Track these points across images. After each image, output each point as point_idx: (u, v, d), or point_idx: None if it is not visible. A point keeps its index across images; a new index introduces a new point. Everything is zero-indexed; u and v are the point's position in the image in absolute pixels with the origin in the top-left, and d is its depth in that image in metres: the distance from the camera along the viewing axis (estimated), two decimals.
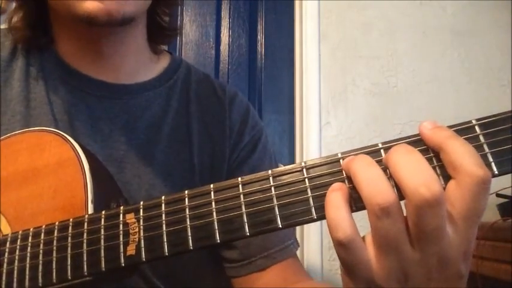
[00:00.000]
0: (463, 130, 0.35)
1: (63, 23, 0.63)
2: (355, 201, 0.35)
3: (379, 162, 0.35)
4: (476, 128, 0.34)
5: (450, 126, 0.35)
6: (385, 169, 0.34)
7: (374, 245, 0.33)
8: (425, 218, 0.31)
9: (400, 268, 0.33)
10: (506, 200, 1.37)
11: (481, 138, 0.34)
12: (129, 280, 0.47)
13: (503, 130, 0.34)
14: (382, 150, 0.36)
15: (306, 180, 0.37)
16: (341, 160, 0.37)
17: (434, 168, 0.34)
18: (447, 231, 0.32)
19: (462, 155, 0.32)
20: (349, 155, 0.37)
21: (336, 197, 0.34)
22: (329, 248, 1.55)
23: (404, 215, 0.33)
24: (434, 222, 0.31)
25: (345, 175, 0.36)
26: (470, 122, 0.35)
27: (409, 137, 0.36)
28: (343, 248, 0.33)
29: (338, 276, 1.51)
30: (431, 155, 0.35)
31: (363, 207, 0.34)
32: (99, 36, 0.62)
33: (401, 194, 0.33)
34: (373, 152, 0.36)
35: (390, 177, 0.34)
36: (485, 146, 0.34)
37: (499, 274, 1.20)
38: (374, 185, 0.32)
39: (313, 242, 1.55)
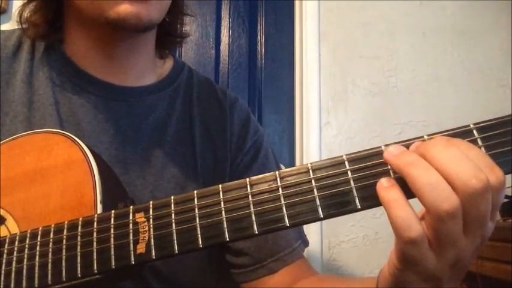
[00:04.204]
0: (462, 134, 0.36)
1: (80, 23, 0.63)
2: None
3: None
4: (474, 132, 0.36)
5: (449, 130, 0.36)
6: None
7: (435, 242, 0.35)
8: (480, 205, 0.34)
9: (455, 256, 0.36)
10: (506, 200, 1.38)
11: (479, 141, 0.36)
12: (128, 284, 0.48)
13: (499, 134, 0.35)
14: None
15: (313, 180, 0.38)
16: (346, 162, 0.38)
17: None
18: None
19: None
20: (357, 154, 0.38)
21: (396, 195, 0.35)
22: (329, 248, 1.56)
23: None
24: (484, 207, 0.34)
25: (349, 175, 0.38)
26: (468, 125, 0.36)
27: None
28: (414, 245, 0.35)
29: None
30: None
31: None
32: (117, 41, 0.63)
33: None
34: (376, 154, 0.37)
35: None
36: (482, 149, 0.35)
37: (499, 274, 1.20)
38: (438, 192, 0.34)
39: (313, 242, 1.56)
